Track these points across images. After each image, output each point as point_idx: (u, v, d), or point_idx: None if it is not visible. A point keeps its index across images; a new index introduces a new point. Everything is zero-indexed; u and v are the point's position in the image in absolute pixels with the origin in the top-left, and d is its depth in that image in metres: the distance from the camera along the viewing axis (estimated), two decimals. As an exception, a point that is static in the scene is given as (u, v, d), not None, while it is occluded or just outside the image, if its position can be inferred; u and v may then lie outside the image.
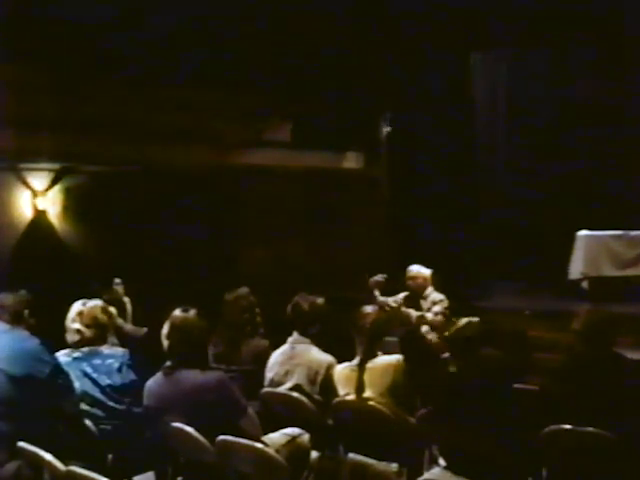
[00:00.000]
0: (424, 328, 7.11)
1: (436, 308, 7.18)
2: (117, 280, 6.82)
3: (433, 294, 7.31)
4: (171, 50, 9.20)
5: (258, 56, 9.95)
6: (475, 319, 5.19)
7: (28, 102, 7.97)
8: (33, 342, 4.28)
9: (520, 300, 10.14)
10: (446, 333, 5.19)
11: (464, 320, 5.22)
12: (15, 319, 4.46)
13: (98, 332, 4.66)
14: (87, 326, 4.63)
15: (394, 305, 7.34)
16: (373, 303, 7.26)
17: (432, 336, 6.99)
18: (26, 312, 4.57)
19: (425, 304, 7.27)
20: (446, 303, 7.21)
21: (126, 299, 6.74)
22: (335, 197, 10.72)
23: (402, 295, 7.47)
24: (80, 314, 4.65)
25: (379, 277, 7.50)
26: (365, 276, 7.54)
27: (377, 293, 7.43)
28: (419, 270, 7.41)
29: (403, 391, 4.70)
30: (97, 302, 4.80)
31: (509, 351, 4.73)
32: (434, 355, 6.01)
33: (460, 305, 7.63)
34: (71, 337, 4.65)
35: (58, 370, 4.25)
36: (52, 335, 4.53)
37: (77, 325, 4.62)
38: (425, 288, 7.36)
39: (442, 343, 6.16)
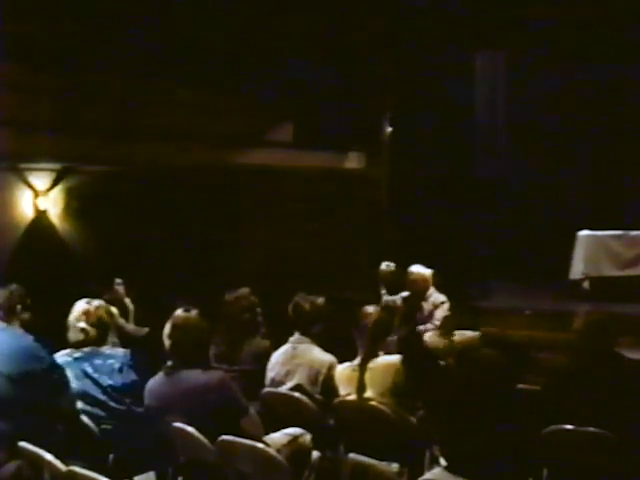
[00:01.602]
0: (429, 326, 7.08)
1: (438, 313, 7.14)
2: (118, 280, 6.82)
3: (434, 295, 7.27)
4: (171, 50, 9.21)
5: (259, 56, 9.95)
6: (474, 334, 5.17)
7: (28, 102, 7.98)
8: (28, 339, 4.26)
9: (520, 300, 10.13)
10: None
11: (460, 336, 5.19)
12: (9, 315, 4.45)
13: (102, 332, 4.66)
14: (92, 325, 4.62)
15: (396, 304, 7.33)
16: (378, 301, 7.29)
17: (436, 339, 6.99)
18: (19, 307, 4.55)
19: (426, 305, 7.22)
20: (448, 305, 7.18)
21: (127, 299, 6.74)
22: (336, 197, 10.72)
23: (403, 294, 7.43)
24: (86, 313, 4.63)
25: (386, 266, 7.45)
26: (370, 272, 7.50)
27: (383, 291, 7.39)
28: (419, 270, 7.36)
29: (404, 391, 4.70)
30: (100, 302, 4.79)
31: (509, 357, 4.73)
32: (433, 357, 6.00)
33: (460, 305, 7.63)
34: (75, 335, 4.63)
35: (54, 366, 4.24)
36: (52, 335, 4.53)
37: (82, 324, 4.61)
38: (426, 289, 7.30)
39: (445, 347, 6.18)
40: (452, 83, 11.50)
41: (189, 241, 9.53)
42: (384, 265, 7.64)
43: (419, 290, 7.29)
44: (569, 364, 4.58)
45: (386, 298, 7.42)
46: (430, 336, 6.94)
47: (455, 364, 4.68)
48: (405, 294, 7.42)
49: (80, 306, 4.68)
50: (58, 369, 4.26)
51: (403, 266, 7.63)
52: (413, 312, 7.21)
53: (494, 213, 12.39)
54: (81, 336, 4.61)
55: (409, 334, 6.57)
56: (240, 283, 5.80)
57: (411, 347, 5.13)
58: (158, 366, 4.36)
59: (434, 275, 7.37)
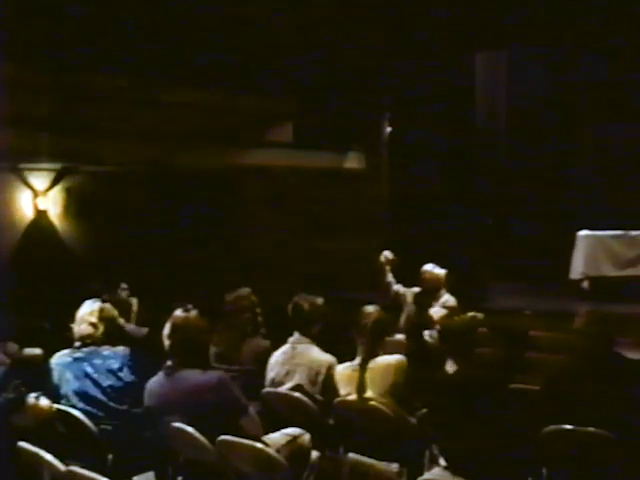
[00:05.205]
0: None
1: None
2: (124, 285, 6.81)
3: (445, 296, 7.20)
4: (172, 51, 9.21)
5: (260, 56, 9.95)
6: (479, 315, 5.15)
7: (28, 102, 7.98)
8: None
9: (520, 300, 10.13)
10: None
11: (468, 315, 5.17)
12: None
13: (108, 331, 4.71)
14: (102, 321, 4.67)
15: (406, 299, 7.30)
16: (383, 280, 7.26)
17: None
18: None
19: (436, 305, 7.16)
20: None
21: (134, 299, 6.74)
22: (336, 197, 10.72)
23: (414, 290, 7.38)
24: (100, 310, 4.70)
25: (388, 254, 7.41)
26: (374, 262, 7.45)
27: (388, 269, 7.35)
28: (432, 270, 7.30)
29: (404, 391, 4.69)
30: (107, 304, 4.86)
31: (508, 350, 4.72)
32: (438, 353, 5.97)
33: (462, 305, 7.60)
34: (85, 329, 4.65)
35: None
36: (53, 334, 4.53)
37: (94, 319, 4.65)
38: (438, 288, 7.23)
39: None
40: (452, 83, 11.50)
41: (189, 241, 9.53)
42: (387, 253, 7.57)
43: (430, 288, 7.23)
44: (569, 364, 4.58)
45: (397, 287, 7.37)
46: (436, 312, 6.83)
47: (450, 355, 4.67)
48: (417, 289, 7.35)
49: (93, 304, 4.75)
50: None
51: (403, 265, 7.60)
52: (423, 309, 7.15)
53: (494, 213, 12.39)
54: (90, 330, 4.63)
55: (416, 328, 6.51)
56: (240, 283, 5.80)
57: (417, 341, 5.11)
58: (158, 366, 4.36)
59: (447, 276, 7.30)
